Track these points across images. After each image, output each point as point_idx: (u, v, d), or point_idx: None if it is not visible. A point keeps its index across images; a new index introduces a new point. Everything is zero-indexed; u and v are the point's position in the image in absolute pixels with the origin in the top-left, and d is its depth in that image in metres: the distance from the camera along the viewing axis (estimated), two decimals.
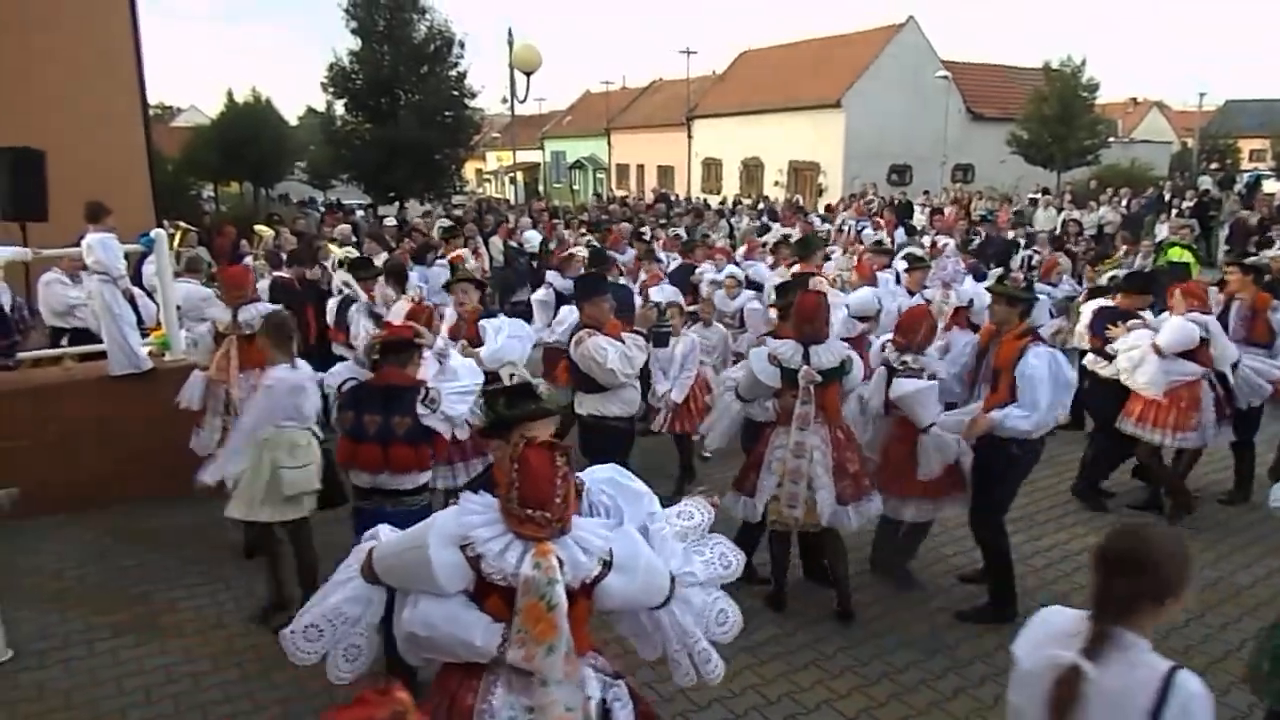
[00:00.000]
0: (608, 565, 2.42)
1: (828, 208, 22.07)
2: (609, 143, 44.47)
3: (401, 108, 22.12)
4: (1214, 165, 34.28)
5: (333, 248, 10.54)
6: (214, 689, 4.34)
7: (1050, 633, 2.13)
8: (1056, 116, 26.93)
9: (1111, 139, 30.41)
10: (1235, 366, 6.09)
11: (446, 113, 22.59)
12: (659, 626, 2.62)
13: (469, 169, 41.98)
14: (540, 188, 44.00)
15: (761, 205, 23.83)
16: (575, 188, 45.03)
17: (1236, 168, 34.13)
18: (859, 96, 31.00)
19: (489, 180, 51.22)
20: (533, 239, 13.45)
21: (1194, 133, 39.11)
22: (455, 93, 22.82)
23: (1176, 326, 5.87)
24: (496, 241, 13.52)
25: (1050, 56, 32.08)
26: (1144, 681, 1.94)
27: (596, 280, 5.74)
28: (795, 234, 12.48)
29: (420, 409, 4.07)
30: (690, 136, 38.98)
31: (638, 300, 7.42)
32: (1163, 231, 14.70)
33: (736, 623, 2.79)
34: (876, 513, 5.01)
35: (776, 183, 33.71)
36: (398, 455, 4.03)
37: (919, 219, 18.74)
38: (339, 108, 23.48)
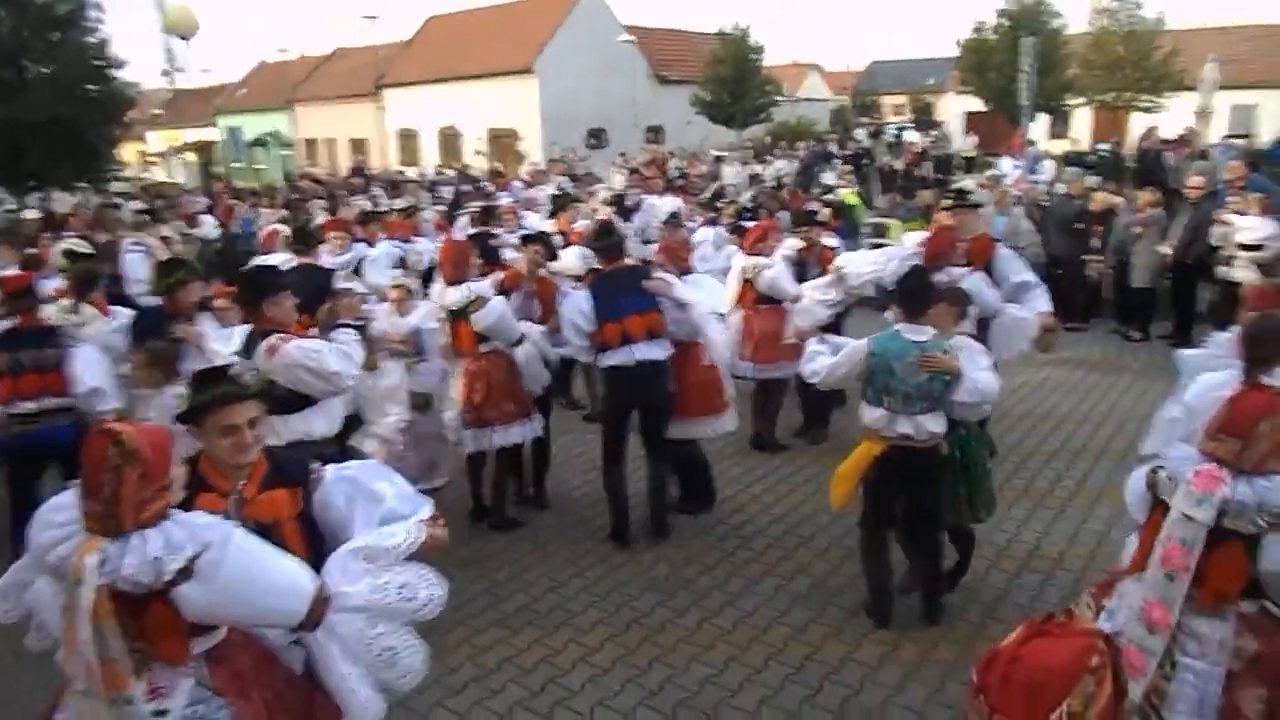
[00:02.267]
0: (185, 572, 2.16)
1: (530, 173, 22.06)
2: (293, 116, 41.32)
3: (30, 81, 18.92)
4: (865, 120, 38.50)
5: None
6: None
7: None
8: (732, 78, 28.86)
9: (780, 98, 33.13)
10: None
11: (89, 86, 19.62)
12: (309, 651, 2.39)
13: (128, 151, 37.12)
14: (218, 168, 40.01)
15: (465, 174, 23.33)
16: (259, 166, 41.44)
17: (883, 121, 38.58)
18: (549, 62, 31.22)
19: (155, 163, 45.70)
20: (207, 224, 12.07)
21: (847, 91, 43.71)
22: (97, 62, 19.86)
23: None
24: (174, 228, 12.05)
25: (722, 22, 34.22)
26: None
27: (270, 273, 4.58)
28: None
29: None
30: (382, 107, 37.23)
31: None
32: (831, 179, 16.25)
33: (411, 667, 2.49)
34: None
35: (478, 151, 33.20)
36: None
37: (619, 180, 19.32)
38: None
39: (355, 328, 4.63)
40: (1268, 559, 2.43)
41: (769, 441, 6.91)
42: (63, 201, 19.40)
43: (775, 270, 6.52)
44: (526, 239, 6.05)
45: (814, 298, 6.15)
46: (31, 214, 14.37)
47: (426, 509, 2.63)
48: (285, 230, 8.50)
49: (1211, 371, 3.58)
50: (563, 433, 6.97)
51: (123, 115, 21.28)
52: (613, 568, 5.12)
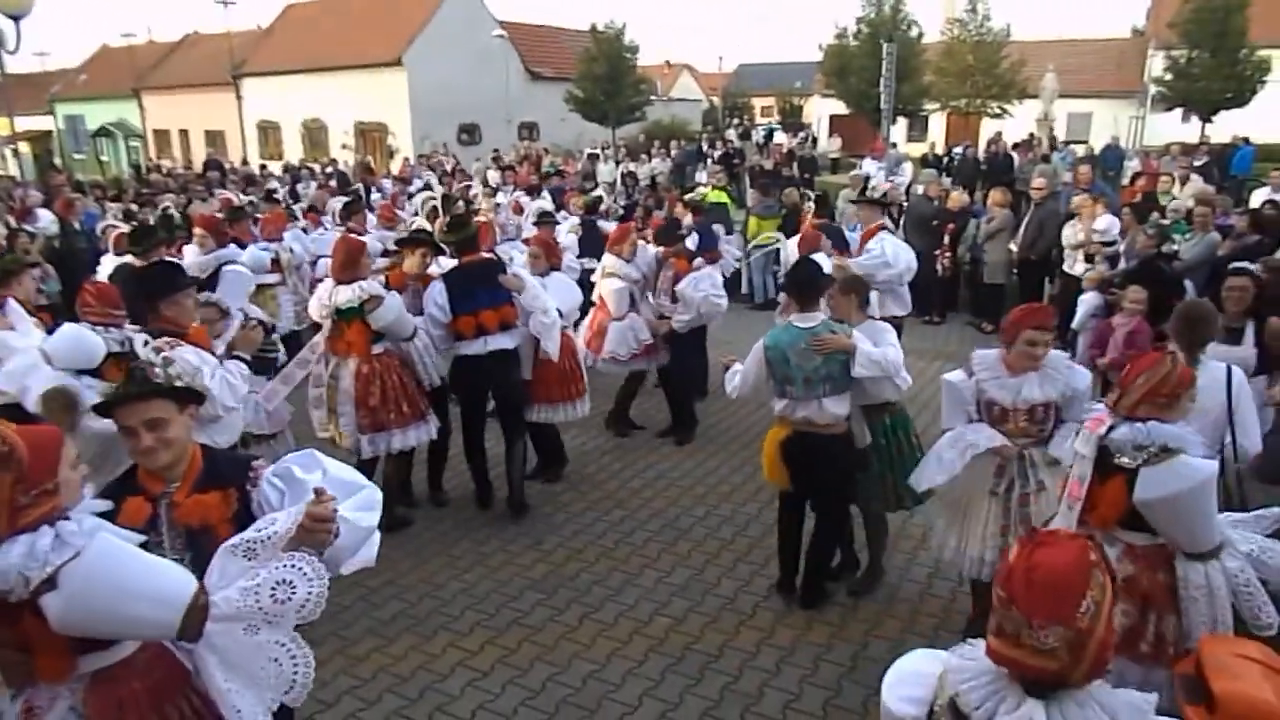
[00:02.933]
0: (50, 581, 2.00)
1: (401, 169, 21.47)
2: (140, 105, 38.80)
3: None
4: (735, 120, 39.39)
5: None
6: None
7: None
8: (606, 76, 28.93)
9: (653, 98, 33.47)
10: None
11: None
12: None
13: None
14: (57, 160, 37.15)
15: (330, 170, 22.50)
16: (104, 158, 38.72)
17: (752, 122, 39.54)
18: (419, 55, 30.46)
19: None
20: (44, 219, 11.12)
21: (718, 92, 44.59)
22: None
23: None
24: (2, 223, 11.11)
25: (595, 20, 34.27)
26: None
27: (170, 270, 4.31)
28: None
29: None
30: (240, 97, 35.42)
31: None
32: (702, 178, 16.52)
33: (296, 680, 2.20)
34: None
35: (344, 145, 32.08)
36: None
37: (493, 177, 19.07)
38: None
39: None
40: (1141, 489, 2.83)
41: (614, 423, 7.18)
42: None
43: (619, 287, 6.68)
44: (412, 242, 5.82)
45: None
46: None
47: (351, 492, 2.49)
48: (124, 228, 7.89)
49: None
50: None
51: None
52: (491, 569, 5.05)
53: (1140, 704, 1.70)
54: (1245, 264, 5.18)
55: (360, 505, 2.48)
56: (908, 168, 17.14)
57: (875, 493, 4.59)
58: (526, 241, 7.29)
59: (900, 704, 1.83)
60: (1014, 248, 10.00)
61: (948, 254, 10.61)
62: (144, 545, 2.27)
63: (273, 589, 2.11)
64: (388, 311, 5.07)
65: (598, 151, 23.63)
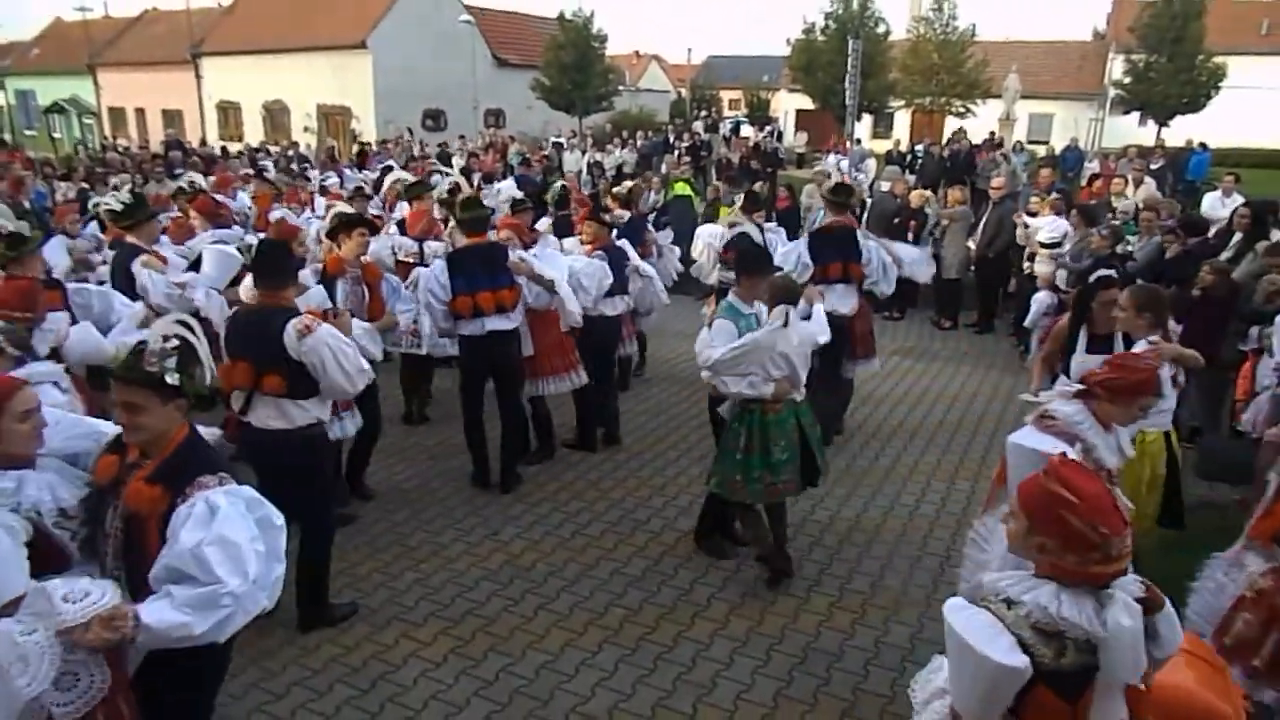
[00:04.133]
0: None
1: (361, 155, 21.16)
2: (95, 82, 37.84)
3: None
4: (703, 112, 39.44)
5: None
6: None
7: None
8: (574, 65, 28.79)
9: (621, 87, 33.38)
10: None
11: None
12: None
13: None
14: (7, 136, 36.09)
15: (291, 152, 22.15)
16: (56, 135, 37.70)
17: (720, 115, 39.63)
18: (384, 39, 30.08)
19: None
20: None
21: (686, 84, 44.60)
22: None
23: None
24: None
25: (564, 7, 34.03)
26: None
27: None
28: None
29: None
30: (199, 76, 34.71)
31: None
32: (663, 169, 16.55)
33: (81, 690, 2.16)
34: None
35: (306, 128, 31.60)
36: None
37: (457, 163, 18.90)
38: None
39: None
40: None
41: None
42: None
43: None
44: (348, 224, 5.49)
45: None
46: None
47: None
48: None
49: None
50: (390, 423, 6.78)
51: None
52: (447, 560, 5.02)
53: (1130, 585, 2.02)
54: (1111, 273, 4.74)
55: (191, 602, 2.35)
56: (871, 164, 17.31)
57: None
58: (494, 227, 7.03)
59: (1005, 655, 1.96)
60: (972, 245, 10.14)
61: None
62: (99, 504, 2.60)
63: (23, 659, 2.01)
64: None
65: (563, 140, 23.53)
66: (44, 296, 4.48)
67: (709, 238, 7.93)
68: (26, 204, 10.84)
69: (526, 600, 4.62)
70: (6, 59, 40.64)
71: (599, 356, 6.57)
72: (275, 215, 8.33)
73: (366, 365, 4.22)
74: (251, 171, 13.92)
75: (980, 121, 25.52)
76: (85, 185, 12.82)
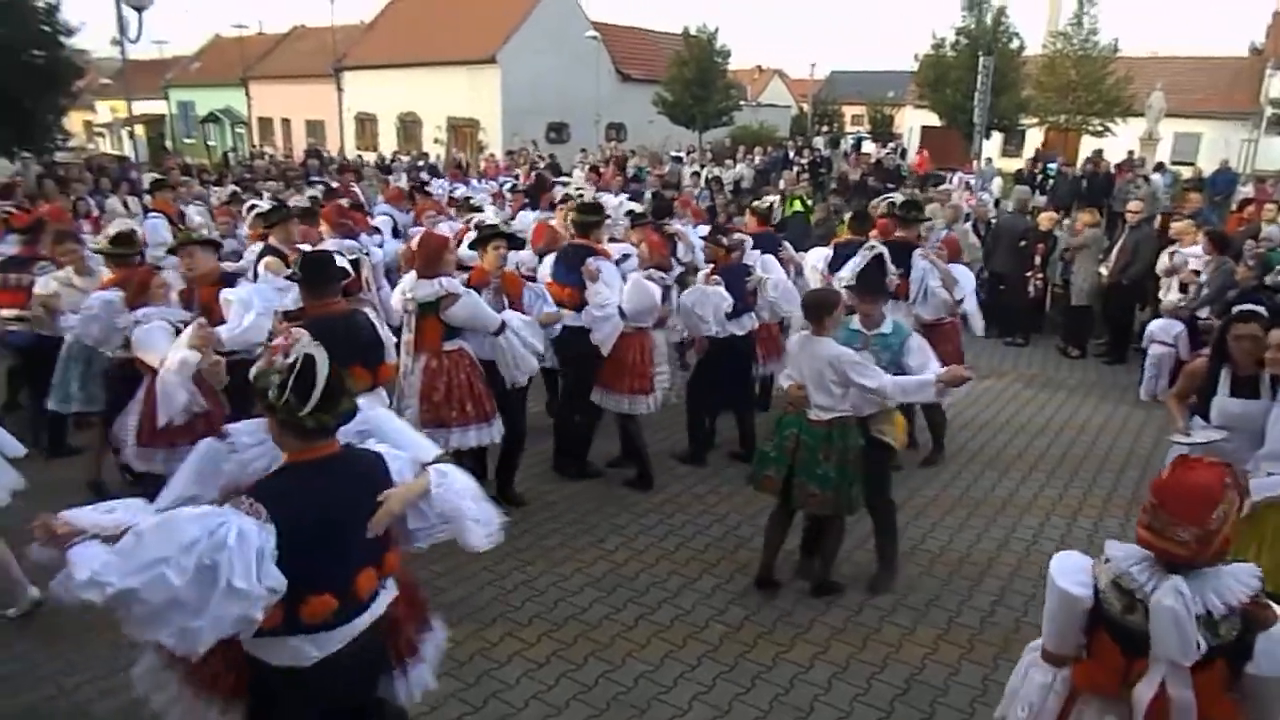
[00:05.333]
0: None
1: (485, 167, 21.86)
2: (247, 93, 40.46)
3: None
4: (824, 128, 38.96)
5: None
6: None
7: None
8: (696, 80, 28.97)
9: (743, 102, 33.36)
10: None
11: (35, 52, 18.97)
12: None
13: (75, 120, 35.98)
14: (167, 143, 39.01)
15: (422, 162, 23.12)
16: (211, 143, 40.51)
17: (842, 130, 39.06)
18: (514, 54, 31.05)
19: (101, 134, 44.38)
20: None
21: (808, 99, 44.13)
22: (45, 28, 19.19)
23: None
24: (115, 203, 11.80)
25: (688, 23, 34.28)
26: None
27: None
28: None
29: None
30: (340, 89, 36.65)
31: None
32: (781, 185, 16.42)
33: None
34: None
35: (436, 140, 32.89)
36: None
37: (578, 176, 19.29)
38: None
39: None
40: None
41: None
42: (1, 169, 18.77)
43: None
44: (489, 236, 5.72)
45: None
46: None
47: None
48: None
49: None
50: None
51: (70, 84, 20.61)
52: (553, 564, 5.14)
53: (1244, 576, 2.30)
54: (1257, 307, 4.19)
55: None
56: (998, 184, 16.72)
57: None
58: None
59: (1075, 587, 2.44)
60: (1104, 271, 9.67)
61: (1039, 275, 10.30)
62: None
63: None
64: (461, 309, 5.13)
65: (682, 155, 23.68)
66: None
67: (815, 260, 7.73)
68: (182, 207, 11.70)
69: (628, 609, 4.68)
70: (170, 72, 43.90)
71: (732, 376, 6.58)
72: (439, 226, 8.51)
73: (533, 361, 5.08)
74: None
75: (1119, 140, 24.28)
76: (236, 189, 13.72)
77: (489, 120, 31.76)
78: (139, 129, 35.80)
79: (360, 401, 2.77)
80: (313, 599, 2.48)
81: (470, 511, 2.90)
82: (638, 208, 8.41)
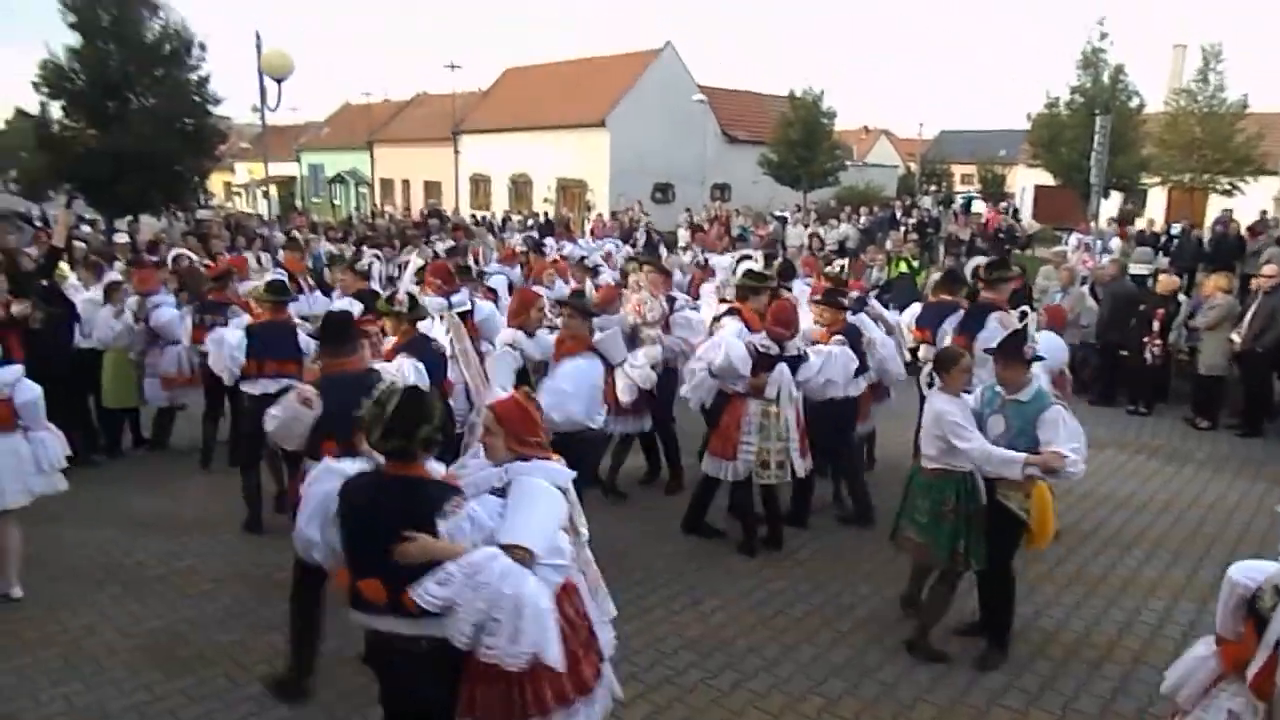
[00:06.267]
0: None
1: (592, 226, 22.39)
2: (371, 156, 42.86)
3: (133, 113, 20.00)
4: (933, 188, 38.49)
5: (64, 267, 9.26)
6: None
7: None
8: (801, 141, 29.08)
9: (848, 163, 33.28)
10: None
11: (186, 119, 20.69)
12: None
13: (215, 181, 38.77)
14: (297, 202, 41.54)
15: (531, 221, 23.91)
16: (336, 202, 42.94)
17: (951, 190, 38.49)
18: (622, 117, 31.96)
19: (238, 194, 47.68)
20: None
21: (915, 158, 43.72)
22: (196, 98, 20.92)
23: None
24: (249, 258, 12.63)
25: (794, 85, 34.51)
26: None
27: None
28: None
29: None
30: (457, 152, 38.42)
31: None
32: (887, 245, 16.23)
33: None
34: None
35: (546, 199, 33.97)
36: None
37: (683, 235, 19.55)
38: (55, 110, 20.84)
39: None
40: None
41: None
42: (148, 226, 20.36)
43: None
44: (561, 302, 6.11)
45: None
46: (121, 238, 15.10)
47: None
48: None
49: None
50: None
51: (215, 148, 22.31)
52: (649, 624, 5.11)
53: None
54: None
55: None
56: (1116, 244, 16.09)
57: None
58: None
59: (1243, 579, 2.90)
60: (1236, 338, 9.15)
61: (1158, 341, 9.81)
62: None
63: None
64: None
65: (787, 214, 23.72)
66: None
67: (907, 319, 7.57)
68: (309, 262, 12.42)
69: (724, 675, 4.60)
70: (303, 137, 46.93)
71: (838, 435, 6.49)
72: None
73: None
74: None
75: (1249, 200, 23.06)
76: (357, 247, 14.50)
77: (597, 181, 32.66)
78: (273, 189, 38.31)
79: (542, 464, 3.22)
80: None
81: (472, 615, 2.79)
82: (758, 266, 8.42)
